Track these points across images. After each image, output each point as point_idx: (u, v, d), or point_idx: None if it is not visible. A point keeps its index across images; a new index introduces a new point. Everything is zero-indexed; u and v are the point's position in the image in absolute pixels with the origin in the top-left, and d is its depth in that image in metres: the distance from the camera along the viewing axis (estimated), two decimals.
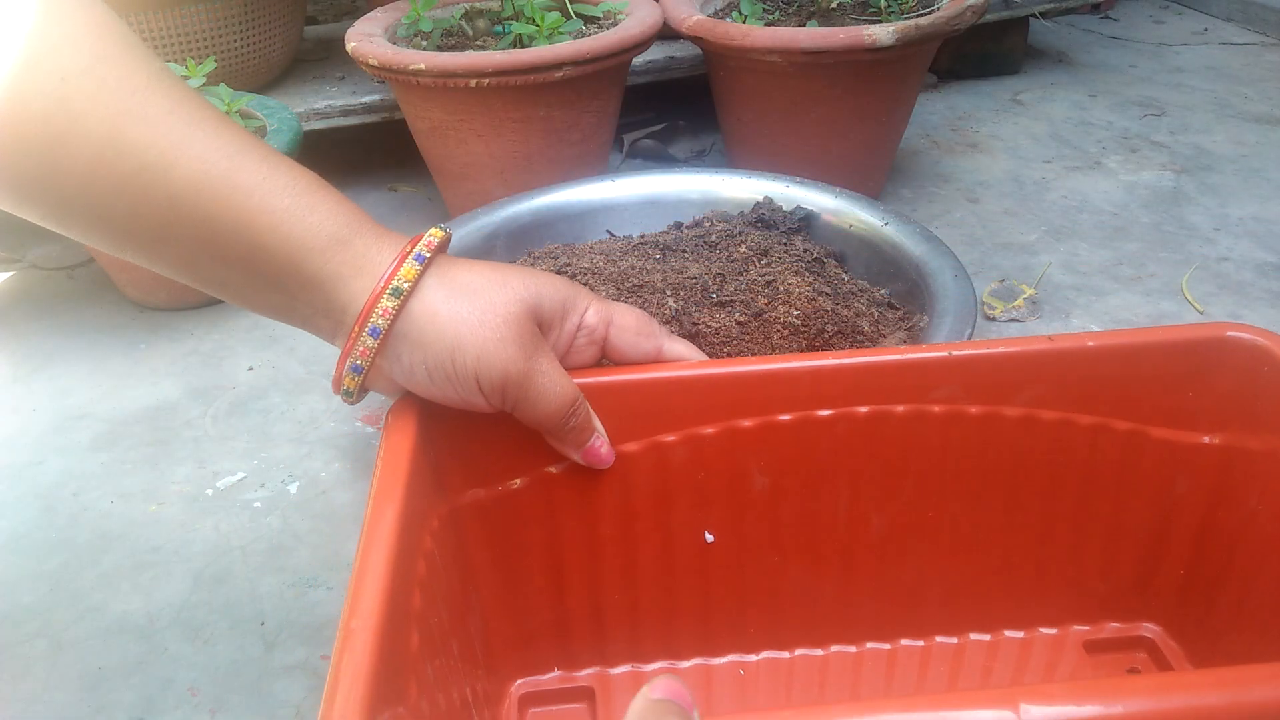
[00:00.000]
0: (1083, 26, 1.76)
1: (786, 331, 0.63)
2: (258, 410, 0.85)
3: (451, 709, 0.39)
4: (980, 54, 1.51)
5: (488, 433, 0.43)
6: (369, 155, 1.33)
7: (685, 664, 0.51)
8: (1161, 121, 1.36)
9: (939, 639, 0.51)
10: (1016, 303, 0.95)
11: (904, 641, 0.51)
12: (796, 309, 0.65)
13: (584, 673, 0.50)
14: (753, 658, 0.51)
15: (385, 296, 0.38)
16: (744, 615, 0.50)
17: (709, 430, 0.45)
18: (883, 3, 1.09)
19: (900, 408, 0.45)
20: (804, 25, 1.07)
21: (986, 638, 0.51)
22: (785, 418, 0.45)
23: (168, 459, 0.80)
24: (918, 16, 1.02)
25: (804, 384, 0.45)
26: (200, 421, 0.84)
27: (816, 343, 0.63)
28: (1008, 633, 0.51)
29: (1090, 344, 0.45)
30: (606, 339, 0.44)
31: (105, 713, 0.59)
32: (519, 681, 0.50)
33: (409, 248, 0.39)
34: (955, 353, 0.45)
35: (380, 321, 0.38)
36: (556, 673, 0.50)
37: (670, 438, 0.45)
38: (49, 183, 0.35)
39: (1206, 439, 0.47)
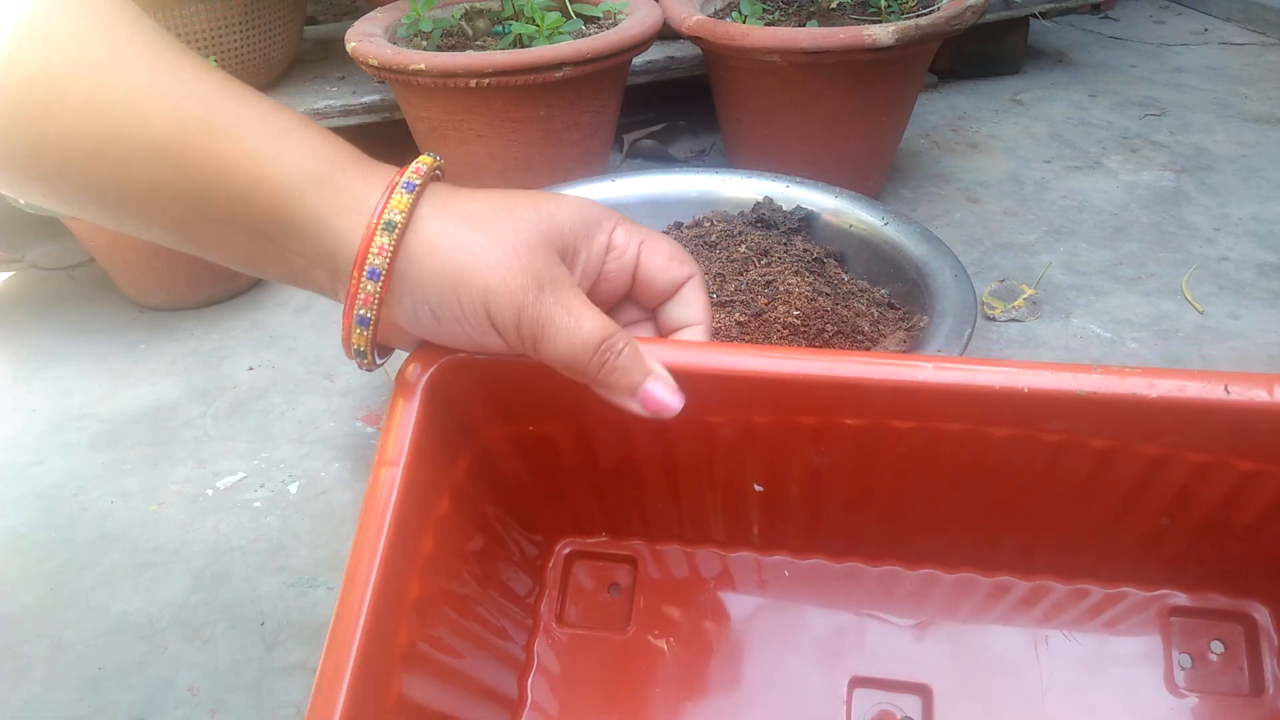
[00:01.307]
0: (1083, 26, 1.76)
1: (786, 331, 0.63)
2: (258, 410, 0.85)
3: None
4: (980, 54, 1.51)
5: (521, 379, 0.39)
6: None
7: (733, 555, 0.49)
8: (1161, 121, 1.36)
9: (1006, 578, 0.47)
10: (1016, 303, 0.95)
11: (968, 574, 0.47)
12: (796, 309, 0.65)
13: (629, 542, 0.50)
14: (803, 562, 0.49)
15: (379, 233, 0.33)
16: (787, 532, 0.48)
17: (761, 420, 0.41)
18: (883, 3, 1.09)
19: (1002, 431, 0.39)
20: (804, 25, 1.07)
21: (1064, 588, 0.46)
22: (851, 422, 0.40)
23: (168, 459, 0.80)
24: (918, 16, 1.02)
25: (881, 395, 0.39)
26: (200, 421, 0.84)
27: (816, 343, 0.63)
28: (1087, 586, 0.46)
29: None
30: (639, 260, 0.39)
31: (105, 713, 0.59)
32: (564, 540, 0.50)
33: (397, 177, 0.35)
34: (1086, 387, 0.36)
35: (378, 261, 0.34)
36: (604, 536, 0.50)
37: (718, 419, 0.41)
38: (38, 153, 0.33)
39: None
